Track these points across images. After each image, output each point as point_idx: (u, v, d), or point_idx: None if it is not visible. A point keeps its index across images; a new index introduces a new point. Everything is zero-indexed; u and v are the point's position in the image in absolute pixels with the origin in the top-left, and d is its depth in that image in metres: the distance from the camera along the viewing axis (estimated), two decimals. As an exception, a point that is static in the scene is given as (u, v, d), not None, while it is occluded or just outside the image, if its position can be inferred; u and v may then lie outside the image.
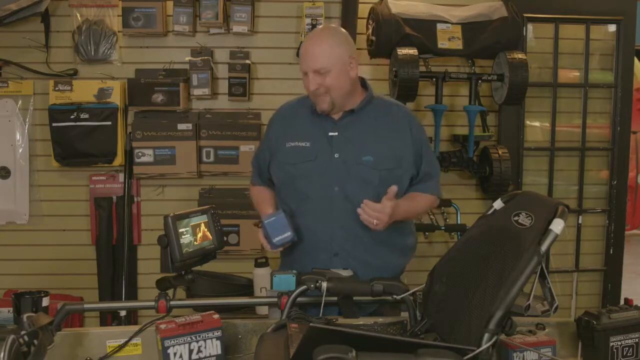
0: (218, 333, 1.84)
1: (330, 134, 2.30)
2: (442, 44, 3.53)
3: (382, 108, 2.38)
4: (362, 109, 2.33)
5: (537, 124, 4.03)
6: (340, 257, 2.28)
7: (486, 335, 1.50)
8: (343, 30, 2.42)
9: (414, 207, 2.36)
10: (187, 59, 3.66)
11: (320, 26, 2.46)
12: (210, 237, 2.08)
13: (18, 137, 3.66)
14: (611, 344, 1.88)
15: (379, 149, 2.29)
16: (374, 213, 2.15)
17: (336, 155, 2.29)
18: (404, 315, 2.07)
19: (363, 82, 2.39)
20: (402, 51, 3.37)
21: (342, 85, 2.25)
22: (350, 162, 2.28)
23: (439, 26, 3.55)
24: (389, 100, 2.53)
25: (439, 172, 2.49)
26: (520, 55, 3.48)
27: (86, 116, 3.57)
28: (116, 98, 3.61)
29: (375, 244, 2.30)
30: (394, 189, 2.17)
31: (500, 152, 3.69)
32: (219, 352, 1.84)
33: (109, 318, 3.53)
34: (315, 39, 2.29)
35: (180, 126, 3.64)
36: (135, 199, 3.74)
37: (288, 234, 2.21)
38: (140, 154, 3.62)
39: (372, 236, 2.27)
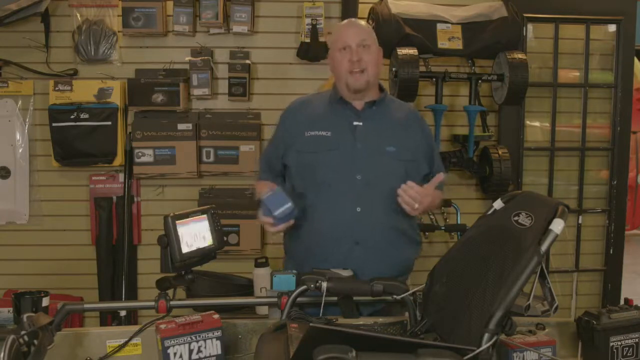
0: (218, 333, 1.84)
1: (355, 123, 2.34)
2: (442, 44, 3.53)
3: (397, 106, 2.48)
4: (381, 102, 2.40)
5: (537, 124, 4.03)
6: (362, 245, 2.29)
7: (486, 335, 1.50)
8: None
9: (436, 200, 2.40)
10: (187, 59, 3.66)
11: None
12: (210, 237, 2.08)
13: (18, 137, 3.66)
14: (611, 344, 1.88)
15: (401, 141, 2.35)
16: (418, 196, 2.19)
17: (359, 145, 2.32)
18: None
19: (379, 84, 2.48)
20: (402, 51, 3.37)
21: (376, 65, 2.35)
22: (373, 152, 2.32)
23: (439, 26, 3.55)
24: (401, 101, 2.62)
25: (445, 171, 2.56)
26: (520, 55, 3.48)
27: (86, 116, 3.57)
28: (116, 98, 3.61)
29: (396, 234, 2.33)
30: (441, 176, 2.26)
31: (500, 152, 3.69)
32: (219, 352, 1.84)
33: (109, 318, 3.53)
34: (353, 21, 2.48)
35: (180, 126, 3.64)
36: (135, 199, 3.74)
37: (288, 204, 2.18)
38: (140, 154, 3.62)
39: (393, 226, 2.31)
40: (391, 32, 3.45)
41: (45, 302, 1.94)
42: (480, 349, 1.47)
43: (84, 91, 3.59)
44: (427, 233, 3.73)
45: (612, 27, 4.00)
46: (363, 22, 2.48)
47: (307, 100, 2.51)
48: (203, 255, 2.08)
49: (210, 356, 1.83)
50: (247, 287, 2.96)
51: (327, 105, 2.40)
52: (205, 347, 1.82)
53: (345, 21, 2.48)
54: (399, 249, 2.35)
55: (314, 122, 2.37)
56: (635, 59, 4.42)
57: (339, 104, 2.38)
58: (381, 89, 2.44)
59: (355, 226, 2.28)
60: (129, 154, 3.66)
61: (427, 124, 2.54)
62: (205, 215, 2.08)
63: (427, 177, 2.39)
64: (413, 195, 2.18)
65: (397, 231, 2.33)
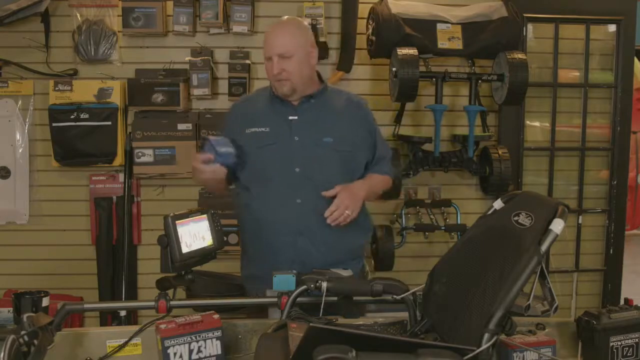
0: (218, 333, 1.84)
1: (290, 117, 2.41)
2: (442, 44, 3.54)
3: (337, 96, 2.54)
4: (320, 95, 2.46)
5: (537, 124, 4.03)
6: (306, 235, 2.36)
7: (486, 335, 1.50)
8: (304, 21, 2.58)
9: (374, 186, 2.49)
10: (187, 59, 3.66)
11: (284, 17, 2.54)
12: (210, 237, 2.08)
13: (18, 137, 3.66)
14: (611, 344, 1.88)
15: (338, 131, 2.42)
16: (339, 211, 2.27)
17: (296, 138, 2.39)
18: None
19: (319, 75, 2.53)
20: (402, 51, 3.37)
21: (303, 70, 2.38)
22: (310, 144, 2.39)
23: (439, 26, 3.55)
24: (342, 90, 2.71)
25: (390, 154, 2.65)
26: (520, 55, 3.48)
27: (86, 116, 3.57)
28: (116, 98, 3.61)
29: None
30: (326, 194, 2.31)
31: (500, 152, 3.69)
32: (219, 352, 1.84)
33: (109, 318, 3.52)
34: (279, 27, 2.45)
35: (180, 126, 3.64)
36: (135, 199, 3.74)
37: (232, 149, 2.30)
38: (140, 154, 3.62)
39: None
40: (391, 32, 3.45)
41: (45, 302, 1.94)
42: (480, 349, 1.47)
43: (84, 91, 3.59)
44: (427, 233, 3.73)
45: (612, 27, 4.00)
46: (289, 26, 2.43)
47: (250, 98, 2.58)
48: (203, 255, 2.08)
49: (210, 356, 1.83)
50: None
51: (267, 102, 2.47)
52: (205, 347, 1.82)
53: (272, 26, 2.47)
54: (344, 237, 2.39)
55: (254, 119, 2.45)
56: (635, 59, 4.42)
57: (276, 100, 2.44)
58: (321, 80, 2.50)
59: (297, 217, 2.36)
60: (129, 154, 3.66)
61: (370, 110, 2.58)
62: (205, 215, 2.08)
63: (370, 164, 2.49)
64: (337, 214, 2.27)
65: None
